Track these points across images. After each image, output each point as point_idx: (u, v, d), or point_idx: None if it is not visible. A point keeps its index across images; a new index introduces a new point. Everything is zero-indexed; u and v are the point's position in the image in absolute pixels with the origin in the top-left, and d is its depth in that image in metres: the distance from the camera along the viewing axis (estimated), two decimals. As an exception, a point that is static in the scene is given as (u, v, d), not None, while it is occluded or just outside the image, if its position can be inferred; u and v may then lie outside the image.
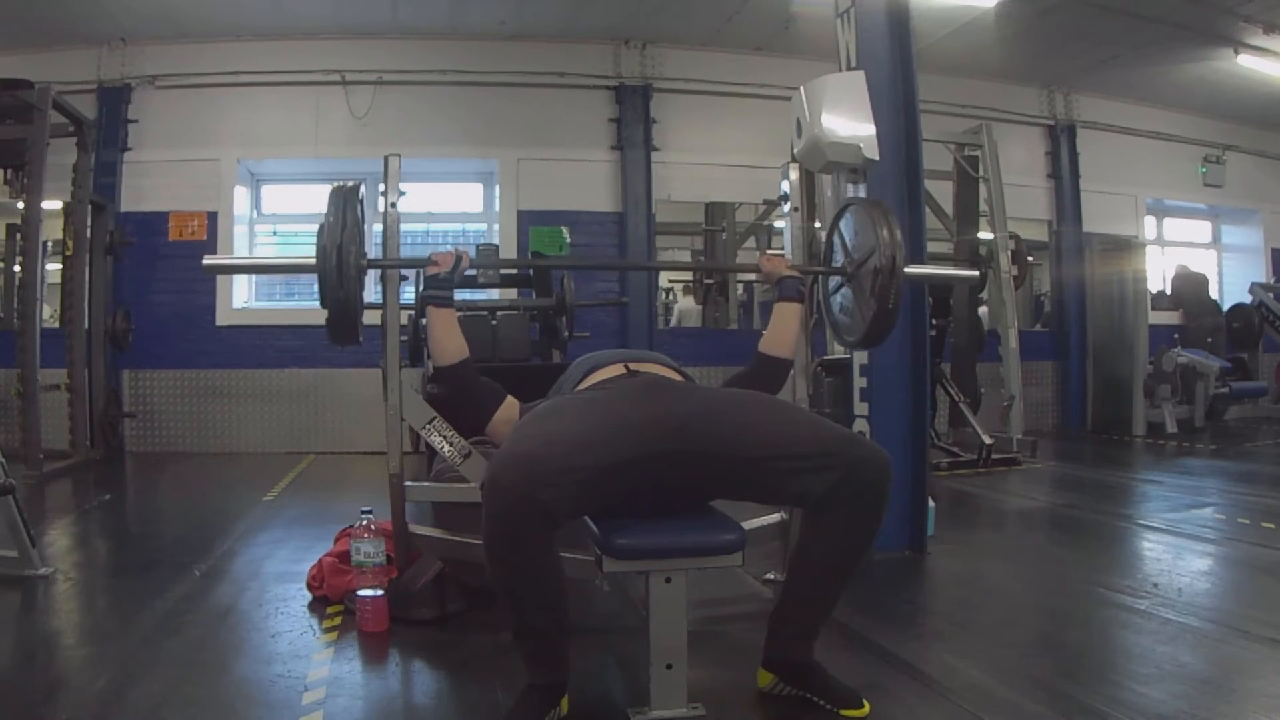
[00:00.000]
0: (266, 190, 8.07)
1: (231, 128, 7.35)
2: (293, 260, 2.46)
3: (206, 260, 2.46)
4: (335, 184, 2.30)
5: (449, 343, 2.30)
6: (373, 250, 2.45)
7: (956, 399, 6.30)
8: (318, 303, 2.27)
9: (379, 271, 2.55)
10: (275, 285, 8.19)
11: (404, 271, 3.28)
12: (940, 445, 6.17)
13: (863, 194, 3.44)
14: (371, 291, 3.36)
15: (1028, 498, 5.17)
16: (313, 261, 2.19)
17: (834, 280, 2.63)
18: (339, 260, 2.14)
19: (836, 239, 2.61)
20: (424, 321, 2.42)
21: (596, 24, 7.42)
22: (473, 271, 2.60)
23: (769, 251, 2.64)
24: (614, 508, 1.99)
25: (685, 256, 10.41)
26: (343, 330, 2.24)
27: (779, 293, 2.49)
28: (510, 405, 2.36)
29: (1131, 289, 8.24)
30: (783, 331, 2.47)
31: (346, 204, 2.20)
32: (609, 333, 7.34)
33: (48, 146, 5.89)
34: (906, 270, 2.37)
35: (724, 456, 1.98)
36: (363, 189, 2.38)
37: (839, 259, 2.60)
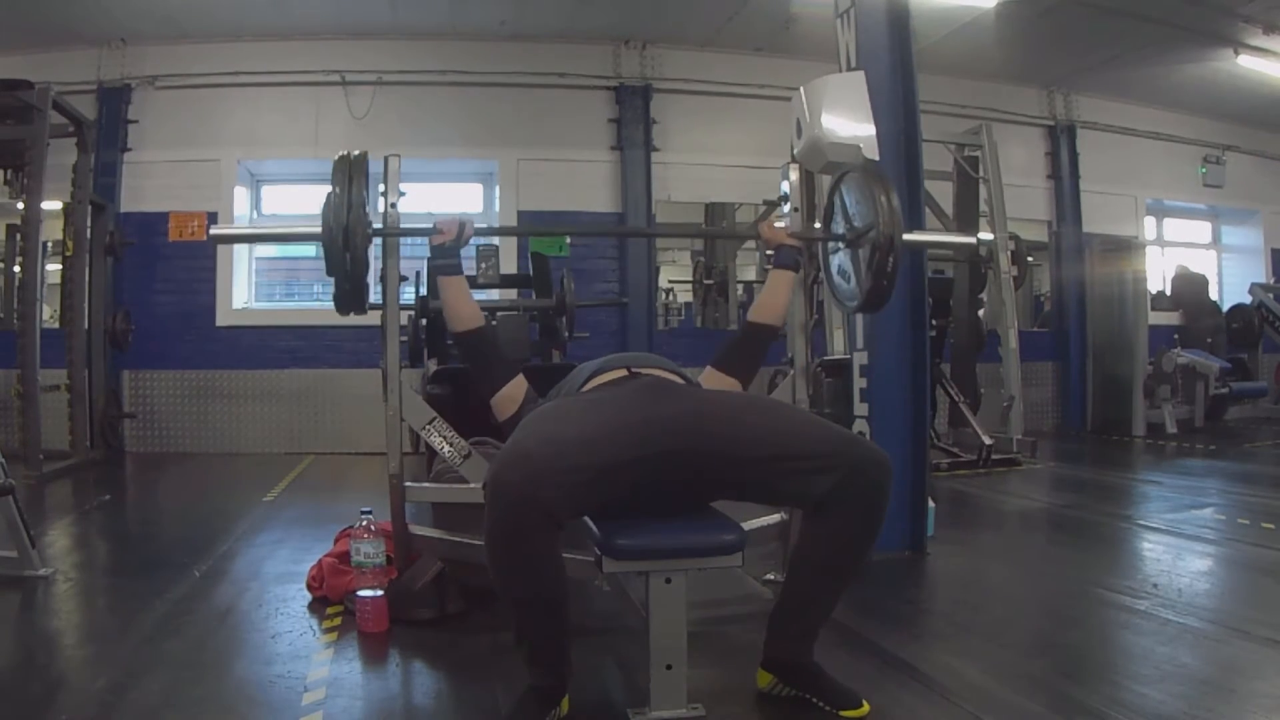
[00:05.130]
0: (266, 190, 8.06)
1: (231, 128, 7.35)
2: (299, 230, 2.46)
3: (214, 230, 2.48)
4: (340, 154, 2.31)
5: (463, 308, 2.33)
6: (373, 264, 2.45)
7: (956, 399, 6.30)
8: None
9: (379, 263, 2.55)
10: (275, 285, 8.19)
11: (404, 271, 3.28)
12: (940, 445, 6.17)
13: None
14: (372, 292, 3.35)
15: (1027, 498, 5.17)
16: (318, 231, 2.20)
17: (833, 243, 2.65)
18: (345, 229, 2.15)
19: (837, 201, 2.62)
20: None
21: (596, 24, 7.42)
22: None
23: (769, 222, 2.65)
24: (615, 508, 1.99)
25: (685, 257, 10.43)
26: (350, 299, 2.27)
27: (776, 259, 2.51)
28: (519, 383, 2.38)
29: (1131, 289, 8.24)
30: (775, 298, 2.49)
31: (352, 174, 2.22)
32: (609, 333, 7.34)
33: (48, 147, 5.89)
34: (905, 238, 2.39)
35: (724, 457, 1.98)
36: (369, 158, 2.38)
37: (838, 222, 2.61)
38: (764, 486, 2.05)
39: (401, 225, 2.53)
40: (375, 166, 2.45)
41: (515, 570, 1.85)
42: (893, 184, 2.43)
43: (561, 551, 1.90)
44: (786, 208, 3.02)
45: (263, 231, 2.68)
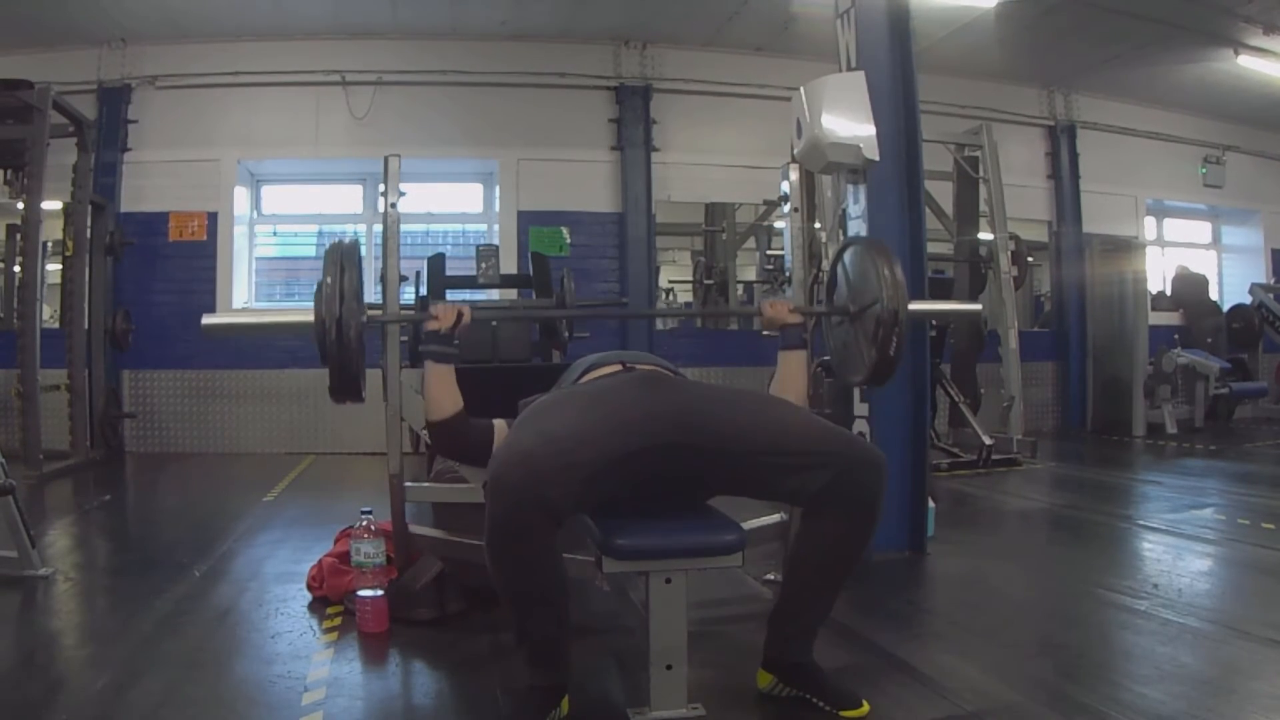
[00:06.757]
0: (266, 190, 8.07)
1: (231, 128, 7.35)
2: (292, 320, 2.39)
3: (205, 320, 2.42)
4: (333, 241, 2.26)
5: (445, 399, 2.26)
6: (373, 264, 2.44)
7: (956, 399, 6.30)
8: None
9: (379, 262, 2.54)
10: (275, 286, 8.20)
11: (404, 270, 3.28)
12: (940, 446, 6.16)
13: (863, 194, 3.45)
14: (371, 291, 3.35)
15: (1028, 498, 5.17)
16: (311, 320, 2.15)
17: (837, 316, 2.62)
18: (338, 321, 2.11)
19: (840, 273, 2.60)
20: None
21: (596, 24, 7.42)
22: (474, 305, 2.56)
23: (771, 300, 2.58)
24: (613, 503, 2.00)
25: (685, 256, 10.42)
26: (345, 389, 2.21)
27: (782, 341, 2.46)
28: (501, 429, 2.34)
29: (1131, 289, 8.24)
30: (791, 380, 2.45)
31: (344, 261, 2.16)
32: (609, 332, 7.33)
33: (48, 146, 5.90)
34: (910, 307, 2.34)
35: (721, 451, 1.99)
36: (362, 244, 2.33)
37: (842, 293, 2.58)
38: (758, 481, 2.05)
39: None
40: (376, 166, 2.43)
41: (517, 569, 1.85)
42: (896, 257, 2.38)
43: (560, 550, 1.90)
44: (786, 207, 3.03)
45: (255, 322, 2.68)
